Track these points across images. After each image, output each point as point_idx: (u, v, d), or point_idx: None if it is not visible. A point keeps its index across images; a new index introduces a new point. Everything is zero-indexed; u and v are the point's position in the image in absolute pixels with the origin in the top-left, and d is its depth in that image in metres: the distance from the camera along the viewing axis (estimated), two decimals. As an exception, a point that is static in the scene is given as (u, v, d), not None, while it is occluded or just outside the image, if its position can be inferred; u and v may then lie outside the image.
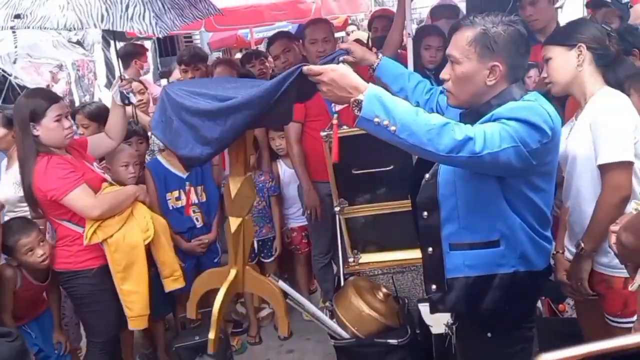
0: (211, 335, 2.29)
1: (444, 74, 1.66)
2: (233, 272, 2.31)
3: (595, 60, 1.89)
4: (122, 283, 2.44)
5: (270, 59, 4.01)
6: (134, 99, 2.66)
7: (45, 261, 2.41)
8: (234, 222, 2.24)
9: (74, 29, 2.57)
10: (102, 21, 2.45)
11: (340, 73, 1.51)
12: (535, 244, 1.66)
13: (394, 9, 3.77)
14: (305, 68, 1.60)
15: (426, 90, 2.00)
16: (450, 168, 1.62)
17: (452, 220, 1.68)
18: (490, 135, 1.45)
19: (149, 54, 6.77)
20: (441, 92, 1.94)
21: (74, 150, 2.54)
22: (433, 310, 1.81)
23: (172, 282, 2.60)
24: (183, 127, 1.90)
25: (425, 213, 1.73)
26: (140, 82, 3.63)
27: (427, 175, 1.72)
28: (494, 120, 1.51)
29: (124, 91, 2.58)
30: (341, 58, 1.95)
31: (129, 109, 2.84)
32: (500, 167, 1.51)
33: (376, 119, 1.41)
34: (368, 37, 4.45)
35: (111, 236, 2.41)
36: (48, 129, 2.34)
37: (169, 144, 1.97)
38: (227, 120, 1.84)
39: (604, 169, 1.81)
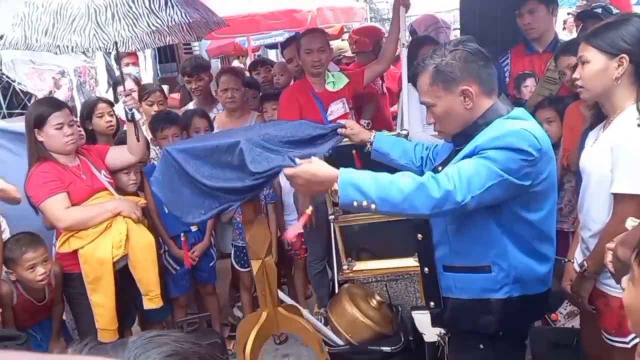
0: None
1: (429, 119, 1.72)
2: (264, 315, 2.33)
3: (634, 73, 1.72)
4: (92, 294, 2.47)
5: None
6: (137, 115, 2.67)
7: (44, 281, 2.40)
8: (254, 265, 2.27)
9: (18, 45, 2.52)
10: (45, 35, 2.45)
11: (312, 172, 1.58)
12: (530, 269, 1.65)
13: (388, 16, 3.82)
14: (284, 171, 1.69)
15: (425, 147, 2.03)
16: None
17: (443, 244, 1.71)
18: (472, 178, 1.47)
19: (149, 60, 6.83)
20: (435, 145, 1.99)
21: (88, 155, 2.62)
22: (434, 324, 1.87)
23: (148, 301, 2.60)
24: (181, 191, 1.99)
25: (420, 235, 1.77)
26: (162, 91, 3.63)
27: None
28: (477, 153, 1.52)
29: (127, 108, 2.61)
30: (340, 131, 2.10)
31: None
32: (490, 203, 1.52)
33: (355, 203, 1.49)
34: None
35: (82, 247, 2.45)
36: (49, 135, 2.44)
37: (167, 204, 2.05)
38: (218, 197, 1.97)
39: (616, 197, 1.73)
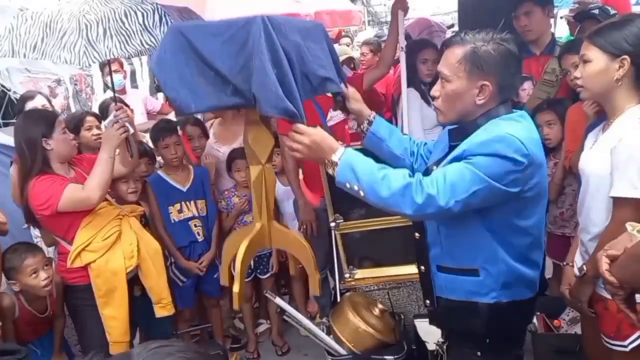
0: (235, 288, 2.11)
1: (435, 90, 1.67)
2: (257, 226, 2.16)
3: (635, 75, 1.71)
4: (103, 307, 2.44)
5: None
6: (130, 129, 2.63)
7: (48, 286, 2.38)
8: (253, 171, 2.09)
9: (6, 55, 2.44)
10: (33, 50, 2.37)
11: (321, 136, 1.62)
12: (519, 275, 1.64)
13: (387, 19, 3.80)
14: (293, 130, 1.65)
15: (415, 142, 1.98)
16: None
17: (436, 244, 1.73)
18: (457, 183, 1.47)
19: (145, 68, 6.80)
20: (425, 144, 1.97)
21: (80, 165, 2.57)
22: (431, 322, 1.90)
23: (161, 309, 2.59)
24: (187, 73, 1.78)
25: (417, 234, 1.78)
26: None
27: None
28: (465, 157, 1.51)
29: (119, 120, 2.54)
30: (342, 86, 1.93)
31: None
32: (480, 206, 1.52)
33: (348, 184, 1.57)
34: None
35: (94, 261, 2.41)
36: (59, 140, 2.37)
37: (162, 82, 1.85)
38: (228, 86, 1.77)
39: (616, 201, 1.70)
